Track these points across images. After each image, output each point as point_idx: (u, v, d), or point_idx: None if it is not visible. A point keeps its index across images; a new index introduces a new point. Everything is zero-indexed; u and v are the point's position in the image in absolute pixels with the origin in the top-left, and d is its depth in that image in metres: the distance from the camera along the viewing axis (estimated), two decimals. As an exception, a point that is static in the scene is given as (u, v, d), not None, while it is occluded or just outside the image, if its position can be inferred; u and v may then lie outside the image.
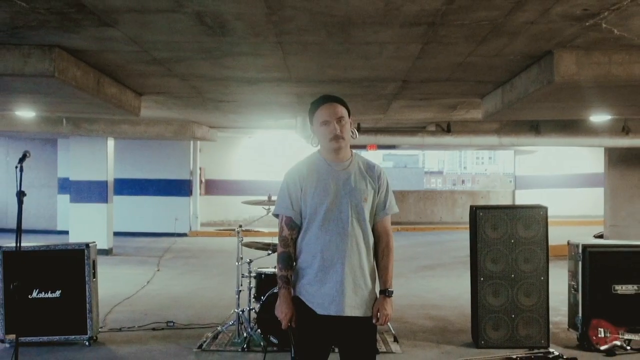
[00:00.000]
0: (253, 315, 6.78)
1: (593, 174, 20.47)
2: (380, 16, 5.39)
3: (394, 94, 9.74)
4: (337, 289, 3.43)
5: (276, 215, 3.62)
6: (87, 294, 6.67)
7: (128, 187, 18.69)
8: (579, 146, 15.54)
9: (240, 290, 6.98)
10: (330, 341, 3.54)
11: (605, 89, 7.24)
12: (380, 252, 3.59)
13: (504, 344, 6.55)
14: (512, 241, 6.62)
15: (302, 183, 3.51)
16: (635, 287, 6.78)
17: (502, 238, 6.63)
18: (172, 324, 7.60)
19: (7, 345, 6.47)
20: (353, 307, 3.45)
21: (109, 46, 6.57)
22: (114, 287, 9.91)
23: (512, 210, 6.92)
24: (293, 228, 3.53)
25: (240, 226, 7.14)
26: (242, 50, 6.74)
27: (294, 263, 3.55)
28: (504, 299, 6.61)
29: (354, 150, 3.65)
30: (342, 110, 3.50)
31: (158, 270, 12.19)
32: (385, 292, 3.52)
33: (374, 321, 3.50)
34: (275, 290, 6.36)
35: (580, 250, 6.80)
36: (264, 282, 6.77)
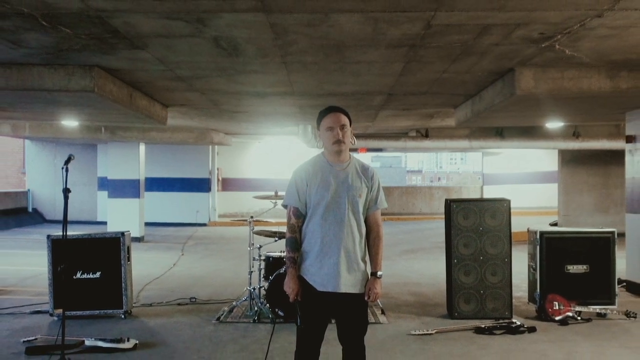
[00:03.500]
0: (263, 292, 6.78)
1: (549, 172, 20.49)
2: (369, 40, 5.39)
3: (381, 105, 9.74)
4: (334, 270, 3.44)
5: (285, 206, 3.63)
6: (123, 274, 6.66)
7: (157, 184, 18.67)
8: (537, 148, 15.54)
9: (251, 271, 6.97)
10: (329, 313, 3.55)
11: (559, 100, 7.25)
12: (371, 240, 3.61)
13: (474, 316, 6.55)
14: (481, 229, 6.62)
15: (308, 179, 3.52)
16: (584, 267, 6.79)
17: (472, 226, 6.62)
18: (194, 299, 7.59)
19: (55, 318, 6.47)
20: (347, 285, 3.46)
21: (140, 66, 6.57)
22: (145, 269, 9.90)
23: (480, 202, 6.92)
24: (299, 217, 3.55)
25: (252, 217, 7.14)
26: (253, 69, 6.74)
27: (300, 246, 3.56)
28: (474, 278, 6.61)
29: (351, 154, 3.67)
30: (345, 120, 3.53)
31: (182, 255, 12.17)
32: (376, 274, 3.54)
33: (365, 298, 3.51)
34: (281, 271, 6.37)
35: (538, 236, 6.81)
36: (272, 264, 6.76)
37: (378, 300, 6.66)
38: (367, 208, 3.59)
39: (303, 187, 3.53)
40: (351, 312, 3.51)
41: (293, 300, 3.49)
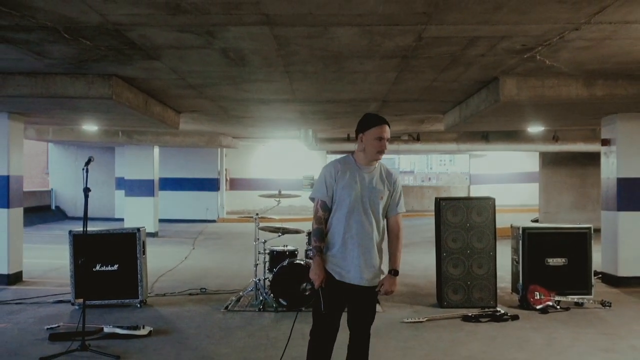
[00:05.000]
0: (267, 283, 6.78)
1: (530, 173, 20.47)
2: (365, 51, 5.39)
3: (376, 111, 9.72)
4: (353, 264, 3.46)
5: (312, 199, 3.62)
6: (139, 267, 6.67)
7: (170, 184, 18.65)
8: (520, 151, 15.54)
9: (257, 264, 6.98)
10: (345, 300, 3.56)
11: (539, 106, 7.25)
12: (391, 240, 3.62)
13: (462, 305, 6.55)
14: (468, 225, 6.62)
15: (337, 176, 3.53)
16: (563, 260, 6.79)
17: (460, 222, 6.63)
18: (204, 290, 7.59)
19: (77, 307, 6.47)
20: (363, 278, 3.48)
21: (154, 75, 6.57)
22: (159, 261, 9.90)
23: (467, 200, 6.91)
24: (325, 210, 3.54)
25: (257, 214, 7.14)
26: (258, 77, 6.74)
27: (325, 237, 3.55)
28: (462, 270, 6.62)
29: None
30: (389, 134, 3.57)
31: (193, 249, 12.17)
32: (392, 272, 3.52)
33: (377, 290, 3.53)
34: (284, 264, 6.38)
35: (520, 232, 6.81)
36: (276, 257, 6.77)
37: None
38: (389, 210, 3.62)
39: (331, 183, 3.53)
40: (362, 302, 3.54)
41: (318, 286, 3.48)
